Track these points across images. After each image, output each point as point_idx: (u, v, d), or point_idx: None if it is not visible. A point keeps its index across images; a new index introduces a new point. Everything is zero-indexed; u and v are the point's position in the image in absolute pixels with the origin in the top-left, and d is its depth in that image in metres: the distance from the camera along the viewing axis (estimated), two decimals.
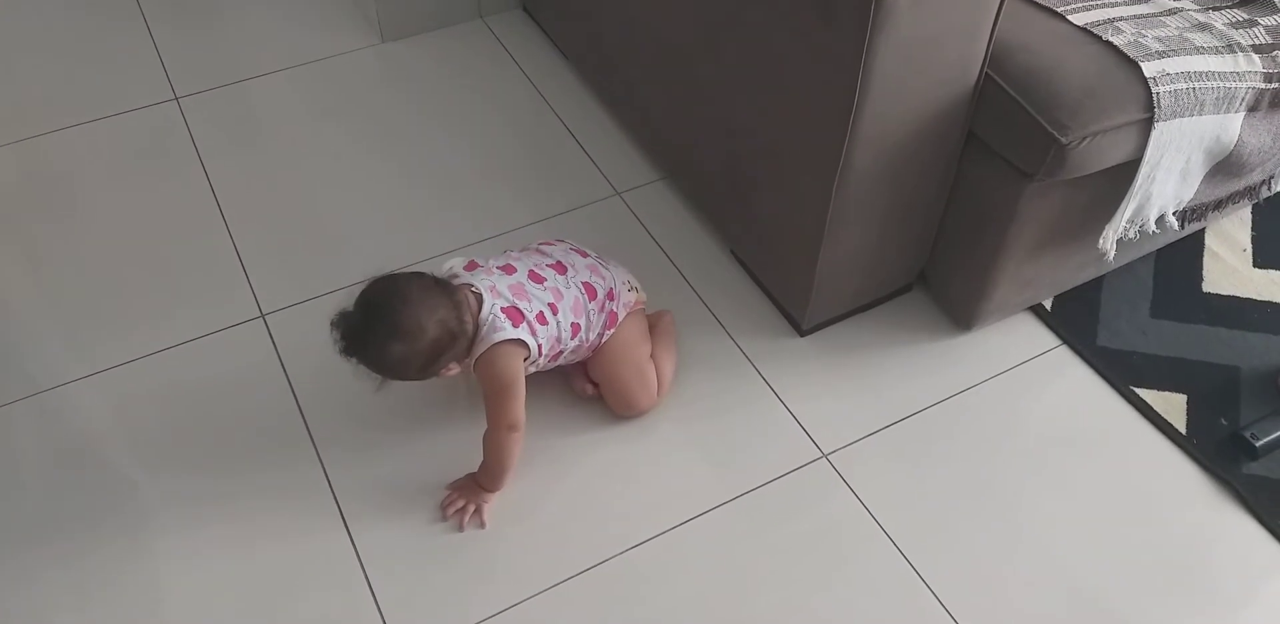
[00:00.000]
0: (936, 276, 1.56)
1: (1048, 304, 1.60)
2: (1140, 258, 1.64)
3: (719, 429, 1.46)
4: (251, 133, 1.82)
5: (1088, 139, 1.21)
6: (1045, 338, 1.58)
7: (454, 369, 1.30)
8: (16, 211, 1.69)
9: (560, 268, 1.37)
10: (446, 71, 1.93)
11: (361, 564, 1.32)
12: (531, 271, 1.35)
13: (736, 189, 1.51)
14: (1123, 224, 1.36)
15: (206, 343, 1.53)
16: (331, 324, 1.25)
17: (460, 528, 1.35)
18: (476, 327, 1.28)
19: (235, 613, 1.28)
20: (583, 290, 1.37)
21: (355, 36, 1.98)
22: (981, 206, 1.38)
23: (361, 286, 1.26)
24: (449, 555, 1.33)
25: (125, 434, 1.44)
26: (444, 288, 1.27)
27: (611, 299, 1.39)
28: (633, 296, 1.43)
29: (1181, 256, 1.67)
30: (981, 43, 1.20)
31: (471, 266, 1.36)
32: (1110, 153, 1.25)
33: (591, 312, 1.37)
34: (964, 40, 1.19)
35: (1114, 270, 1.62)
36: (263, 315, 1.57)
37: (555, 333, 1.33)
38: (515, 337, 1.28)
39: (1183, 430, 1.47)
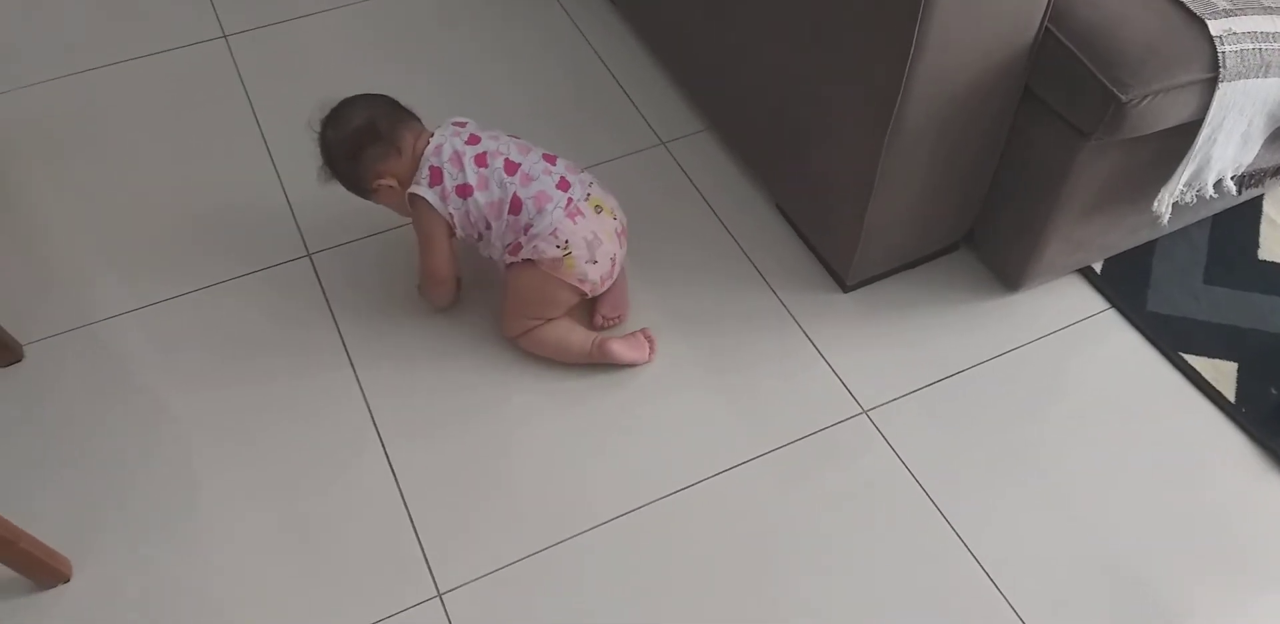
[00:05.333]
0: (985, 236, 1.54)
1: (1098, 267, 1.57)
2: (1195, 223, 1.60)
3: (758, 382, 1.46)
4: (299, 72, 1.82)
5: (1148, 98, 1.18)
6: (1094, 301, 1.55)
7: (388, 181, 1.37)
8: (64, 147, 1.71)
9: (511, 169, 1.35)
10: (493, 15, 1.91)
11: (403, 497, 1.35)
12: (485, 153, 1.36)
13: (785, 142, 1.49)
14: (1179, 187, 1.33)
15: (252, 281, 1.55)
16: None
17: None
18: (415, 162, 1.37)
19: (276, 536, 1.32)
20: (510, 202, 1.35)
21: None
22: (1035, 165, 1.35)
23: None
24: (481, 497, 1.35)
25: (170, 365, 1.47)
26: (394, 105, 1.39)
27: (525, 232, 1.35)
28: (557, 253, 1.35)
29: (1238, 223, 1.63)
30: None
31: (457, 124, 1.41)
32: (1171, 113, 1.22)
33: (503, 228, 1.36)
34: None
35: (1167, 235, 1.59)
36: (309, 254, 1.58)
37: (469, 213, 1.36)
38: (417, 192, 1.36)
39: (1232, 399, 1.44)
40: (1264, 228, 1.62)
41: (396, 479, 1.36)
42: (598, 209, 1.38)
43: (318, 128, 1.38)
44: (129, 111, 1.77)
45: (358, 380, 1.45)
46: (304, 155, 1.67)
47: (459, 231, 1.40)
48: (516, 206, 1.35)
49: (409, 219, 1.42)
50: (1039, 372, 1.48)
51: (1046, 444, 1.41)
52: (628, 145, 1.72)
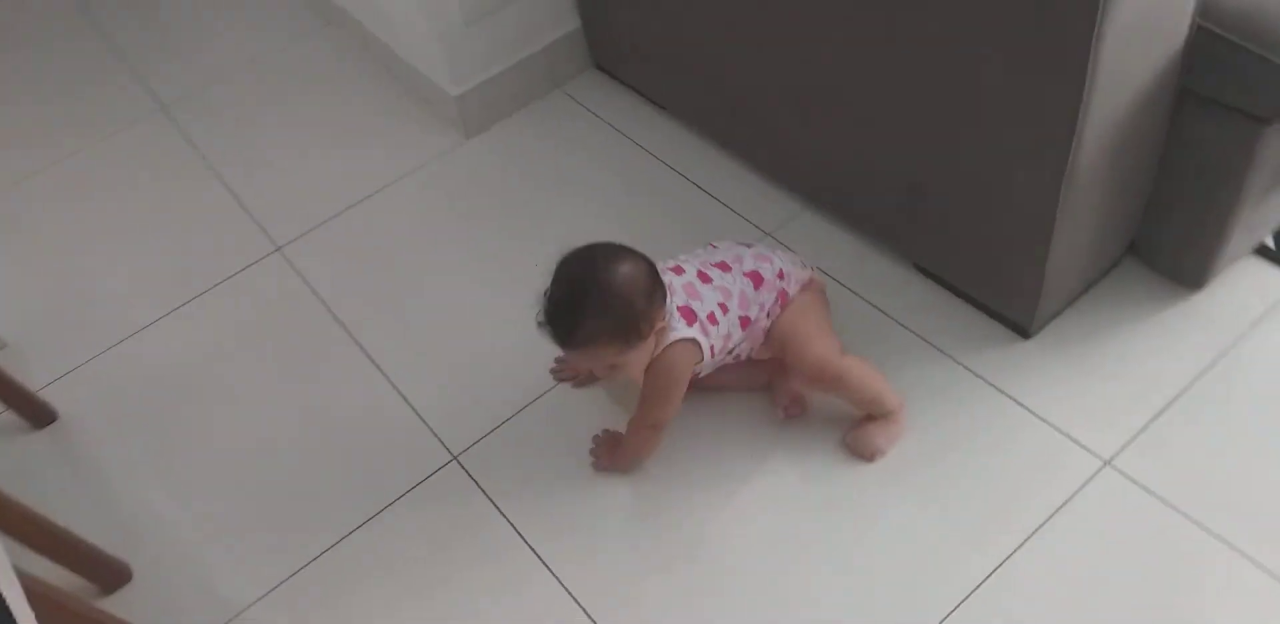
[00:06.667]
0: (1153, 242, 1.44)
1: (1269, 242, 1.48)
2: None
3: (979, 460, 1.35)
4: (366, 266, 1.71)
5: None
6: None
7: (661, 324, 1.23)
8: (159, 411, 1.57)
9: (725, 266, 1.33)
10: (543, 152, 1.81)
11: None
12: (700, 272, 1.32)
13: (919, 205, 1.40)
14: None
15: (408, 502, 1.42)
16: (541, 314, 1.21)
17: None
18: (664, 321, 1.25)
19: None
20: (749, 281, 1.32)
21: (438, 139, 1.86)
22: (1207, 163, 1.26)
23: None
24: None
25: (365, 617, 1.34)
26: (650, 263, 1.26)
27: (782, 278, 1.34)
28: (806, 274, 1.38)
29: None
30: None
31: None
32: None
33: (764, 300, 1.33)
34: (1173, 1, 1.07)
35: None
36: (455, 457, 1.45)
37: (726, 331, 1.30)
38: (690, 336, 1.26)
39: None
40: None
41: None
42: None
43: (559, 281, 1.21)
44: (213, 354, 1.63)
45: (554, 575, 1.32)
46: (407, 354, 1.58)
47: (714, 360, 1.32)
48: (758, 278, 1.33)
49: (614, 378, 1.31)
50: (1263, 365, 1.38)
51: None
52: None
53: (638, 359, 1.25)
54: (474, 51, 1.72)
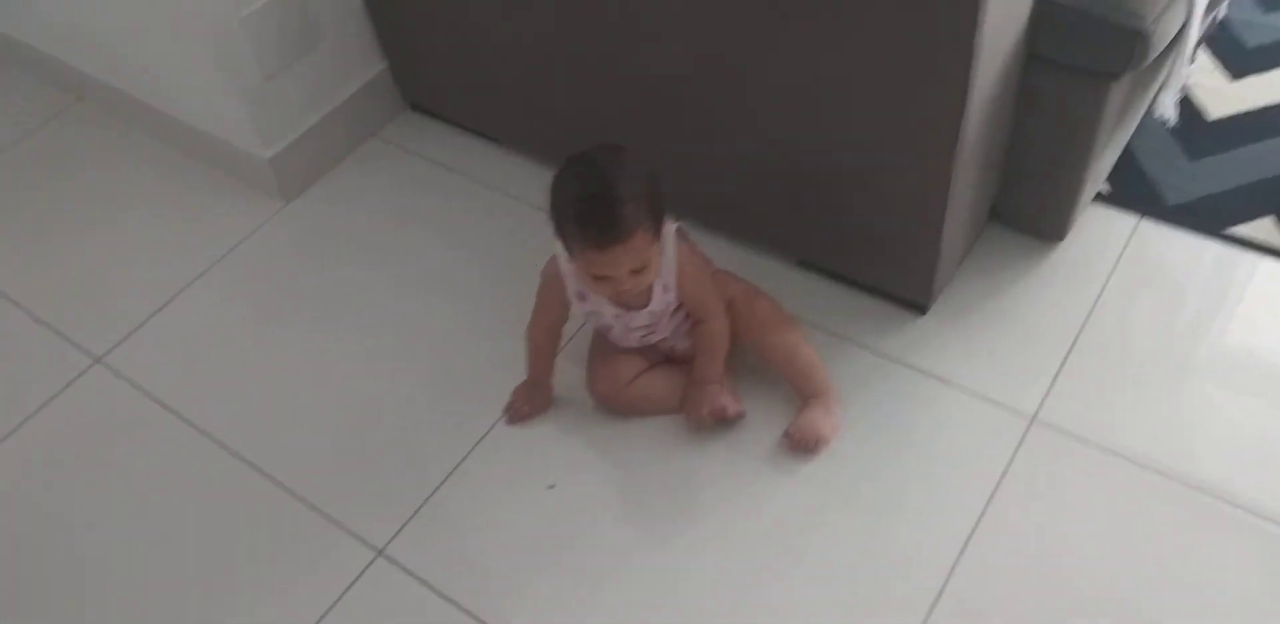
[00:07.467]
0: (1010, 203, 1.49)
1: (1104, 189, 1.57)
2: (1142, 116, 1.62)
3: (915, 443, 1.35)
4: (209, 360, 1.52)
5: (1159, 19, 1.17)
6: (1124, 219, 1.55)
7: (662, 244, 1.21)
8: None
9: None
10: (373, 205, 1.68)
11: None
12: None
13: (804, 201, 1.38)
14: (1183, 82, 1.34)
15: (340, 613, 1.27)
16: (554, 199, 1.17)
17: (733, 419, 1.36)
18: None
19: None
20: None
21: (255, 209, 1.68)
22: (1060, 122, 1.31)
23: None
24: None
25: None
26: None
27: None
28: None
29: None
30: None
31: None
32: (1174, 22, 1.21)
33: None
34: None
35: (1135, 135, 1.59)
36: (381, 552, 1.31)
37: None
38: (675, 226, 1.27)
39: None
40: (1197, 94, 1.67)
41: None
42: None
43: (579, 179, 1.16)
44: (48, 498, 1.40)
45: None
46: (285, 449, 1.41)
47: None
48: None
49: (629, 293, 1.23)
50: (1135, 298, 1.46)
51: (1206, 360, 1.40)
52: None
53: (656, 258, 1.20)
54: (281, 108, 1.57)
